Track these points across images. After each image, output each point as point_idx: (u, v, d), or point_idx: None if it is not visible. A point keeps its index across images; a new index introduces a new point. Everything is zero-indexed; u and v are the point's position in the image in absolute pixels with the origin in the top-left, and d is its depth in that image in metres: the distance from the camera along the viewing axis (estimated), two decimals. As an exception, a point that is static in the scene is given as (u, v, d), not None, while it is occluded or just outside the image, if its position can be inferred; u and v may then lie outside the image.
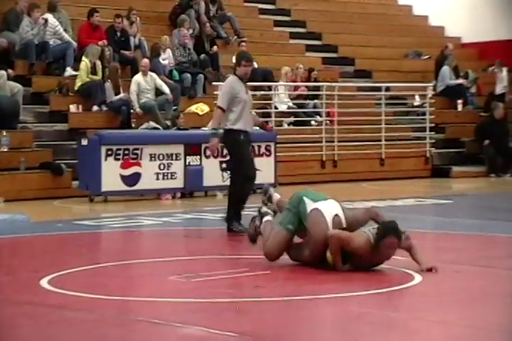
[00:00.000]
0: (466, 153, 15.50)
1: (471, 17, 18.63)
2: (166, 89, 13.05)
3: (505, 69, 16.74)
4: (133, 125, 12.60)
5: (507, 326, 4.44)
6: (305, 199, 6.06)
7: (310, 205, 5.98)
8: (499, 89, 16.50)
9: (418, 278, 5.56)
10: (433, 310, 4.85)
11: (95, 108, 12.80)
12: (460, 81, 16.64)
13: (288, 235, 5.99)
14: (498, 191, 12.87)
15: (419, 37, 18.51)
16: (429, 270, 5.72)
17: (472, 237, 7.57)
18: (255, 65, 15.20)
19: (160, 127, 12.28)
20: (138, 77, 12.94)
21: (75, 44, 13.53)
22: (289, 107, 14.53)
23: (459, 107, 16.50)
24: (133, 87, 12.83)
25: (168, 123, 12.48)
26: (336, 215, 5.91)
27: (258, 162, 12.06)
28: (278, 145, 12.39)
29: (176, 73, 14.01)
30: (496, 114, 15.28)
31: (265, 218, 6.25)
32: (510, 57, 17.87)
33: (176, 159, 11.38)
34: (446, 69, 16.49)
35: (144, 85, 12.89)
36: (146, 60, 13.12)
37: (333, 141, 13.99)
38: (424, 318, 4.71)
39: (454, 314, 4.74)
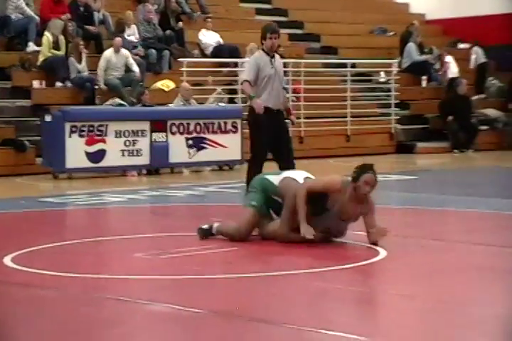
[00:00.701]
0: (430, 129, 15.63)
1: (435, -6, 18.69)
2: (135, 68, 12.91)
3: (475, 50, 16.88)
4: (97, 101, 12.46)
5: (471, 299, 4.51)
6: (268, 176, 6.09)
7: (276, 178, 6.02)
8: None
9: (383, 253, 5.61)
10: (399, 285, 4.91)
11: (59, 84, 12.63)
12: (425, 57, 16.72)
13: (253, 211, 5.99)
14: (461, 166, 13.01)
15: (385, 13, 18.52)
16: (375, 243, 5.76)
17: (436, 212, 7.65)
18: (221, 41, 15.13)
19: (125, 104, 12.17)
20: (109, 54, 12.78)
21: (37, 18, 13.30)
22: (255, 84, 14.47)
23: (424, 83, 16.60)
24: (101, 63, 12.68)
25: (134, 99, 12.37)
26: (307, 177, 5.98)
27: (225, 138, 12.21)
28: (244, 122, 12.35)
29: (141, 49, 13.86)
30: (460, 90, 15.40)
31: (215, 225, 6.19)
32: (472, 33, 17.99)
33: (142, 136, 11.31)
34: (411, 46, 16.54)
35: (114, 62, 12.74)
36: (119, 39, 12.96)
37: (300, 118, 13.99)
38: (391, 293, 4.76)
39: (419, 288, 4.80)
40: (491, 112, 16.14)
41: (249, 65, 7.52)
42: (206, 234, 6.13)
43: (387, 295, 4.75)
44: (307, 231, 5.73)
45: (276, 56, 7.54)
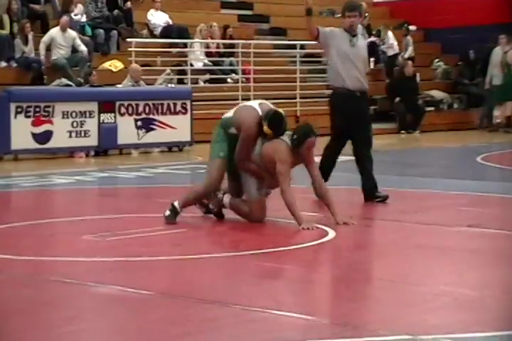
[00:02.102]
0: (378, 111, 15.78)
1: (383, -25, 18.79)
2: (83, 48, 12.72)
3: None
4: (44, 81, 12.26)
5: (415, 277, 4.59)
6: (222, 120, 6.14)
7: (230, 115, 6.05)
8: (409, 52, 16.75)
9: (332, 233, 5.67)
10: (345, 264, 4.97)
11: (3, 64, 12.38)
12: (373, 39, 16.82)
13: (220, 161, 5.98)
14: (408, 147, 13.19)
15: (333, -5, 18.55)
16: (345, 223, 5.86)
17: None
18: (170, 21, 14.98)
19: (72, 84, 12.00)
20: (55, 32, 12.57)
21: (-20, -3, 12.99)
22: (204, 64, 14.40)
23: (371, 65, 16.71)
24: (45, 39, 12.47)
25: (81, 80, 12.19)
26: (261, 103, 6.04)
27: (174, 119, 12.14)
28: (194, 103, 12.30)
29: (88, 29, 13.66)
30: (406, 71, 15.57)
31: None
32: (418, 16, 18.17)
33: (90, 117, 11.17)
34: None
35: (59, 41, 12.53)
36: (66, 18, 12.73)
37: (249, 99, 13.97)
38: (337, 272, 4.81)
39: (364, 267, 4.86)
40: (437, 94, 16.37)
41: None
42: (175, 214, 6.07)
43: (334, 275, 4.80)
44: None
45: (360, 36, 7.15)
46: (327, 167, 7.03)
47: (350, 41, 6.91)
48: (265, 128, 5.92)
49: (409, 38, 17.00)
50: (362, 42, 7.11)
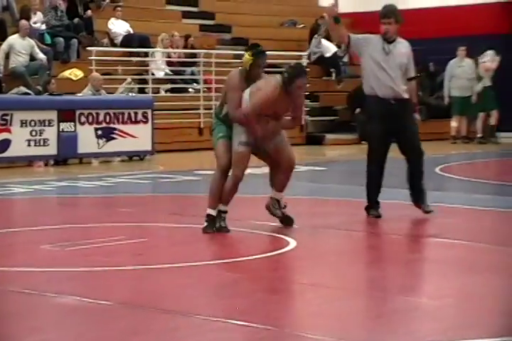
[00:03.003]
0: (339, 121, 15.90)
1: (344, -13, 18.97)
2: (41, 55, 12.60)
3: None
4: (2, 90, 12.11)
5: (375, 287, 4.62)
6: (215, 110, 6.16)
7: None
8: None
9: (293, 243, 5.68)
10: (306, 274, 4.98)
11: (-39, 72, 12.21)
12: (335, 50, 16.97)
13: (221, 142, 6.03)
14: (369, 158, 13.27)
15: (295, 6, 18.69)
16: None
17: (344, 202, 7.79)
18: (131, 30, 14.93)
19: (31, 92, 11.87)
20: (13, 39, 12.44)
21: None
22: (166, 74, 14.38)
23: (333, 76, 16.85)
24: (3, 47, 12.32)
25: (40, 88, 12.07)
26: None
27: (135, 129, 12.07)
28: (155, 113, 12.26)
29: (48, 37, 13.54)
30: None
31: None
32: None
33: (49, 125, 11.06)
34: (317, 40, 16.80)
35: (18, 48, 12.40)
36: (25, 22, 12.61)
37: (211, 108, 13.98)
38: (298, 281, 4.82)
39: (326, 277, 4.88)
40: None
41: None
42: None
43: (296, 284, 4.81)
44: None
45: (399, 43, 6.78)
46: (375, 174, 6.77)
47: (383, 49, 6.69)
48: (246, 56, 5.95)
49: None
50: (400, 49, 6.74)
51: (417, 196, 6.82)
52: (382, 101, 6.60)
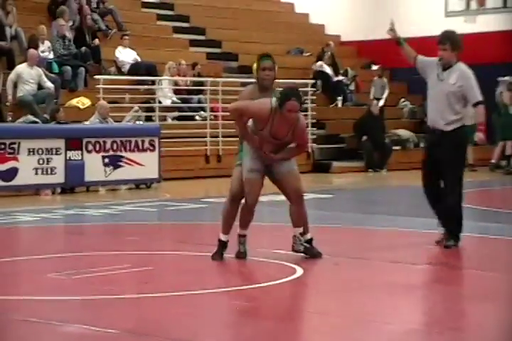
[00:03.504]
0: (345, 149, 15.92)
1: (349, 16, 19.14)
2: (49, 84, 12.69)
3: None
4: (9, 118, 12.17)
5: (383, 316, 4.58)
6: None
7: None
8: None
9: (300, 271, 5.65)
10: (312, 302, 4.95)
11: (-31, 100, 12.30)
12: (340, 78, 17.07)
13: (238, 169, 6.03)
14: (375, 186, 13.28)
15: (301, 34, 18.84)
16: None
17: (351, 230, 7.77)
18: (138, 58, 15.05)
19: (39, 121, 11.94)
20: (22, 68, 12.55)
21: None
22: (173, 102, 14.46)
23: (339, 104, 16.92)
24: (11, 77, 12.42)
25: (47, 117, 12.14)
26: None
27: (142, 157, 12.11)
28: (162, 140, 12.31)
29: (55, 66, 13.65)
30: (374, 110, 15.77)
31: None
32: (384, 55, 18.49)
33: (56, 154, 11.10)
34: (321, 67, 16.91)
35: (26, 77, 12.50)
36: (34, 51, 12.73)
37: (218, 136, 14.03)
38: (305, 309, 4.79)
39: (331, 305, 4.85)
40: (403, 133, 16.57)
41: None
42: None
43: (302, 312, 4.78)
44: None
45: (455, 71, 6.46)
46: (427, 197, 6.65)
47: (437, 75, 6.48)
48: (254, 64, 6.00)
49: (385, 80, 17.25)
50: (452, 77, 6.45)
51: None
52: (428, 129, 6.60)
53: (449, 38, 6.55)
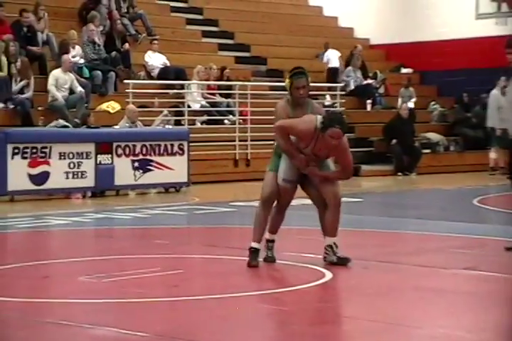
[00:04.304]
0: (374, 152, 15.85)
1: (378, 19, 19.08)
2: (80, 89, 12.82)
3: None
4: (40, 123, 12.29)
5: (413, 320, 4.56)
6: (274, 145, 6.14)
7: None
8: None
9: (329, 274, 5.64)
10: (343, 306, 4.94)
11: (0, 105, 12.45)
12: (369, 81, 17.02)
13: (271, 173, 5.98)
14: (404, 189, 13.21)
15: (329, 37, 18.79)
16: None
17: (380, 234, 7.73)
18: (167, 63, 15.14)
19: (69, 125, 12.05)
20: (57, 73, 12.71)
21: (-21, 39, 13.12)
22: (202, 106, 14.51)
23: (368, 107, 16.86)
24: (51, 81, 12.58)
25: (78, 121, 12.26)
26: None
27: (171, 160, 12.17)
28: (191, 144, 12.35)
29: (86, 70, 13.78)
30: (403, 113, 15.69)
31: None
32: (414, 58, 18.40)
33: (87, 158, 11.19)
34: (349, 70, 16.89)
35: (61, 82, 12.65)
36: (68, 57, 12.90)
37: (246, 140, 14.06)
38: (334, 313, 4.78)
39: (361, 309, 4.83)
40: (433, 136, 16.46)
41: None
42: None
43: (332, 316, 4.77)
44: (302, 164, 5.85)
45: None
46: None
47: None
48: (286, 80, 6.01)
49: (411, 89, 17.18)
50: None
51: None
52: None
53: None
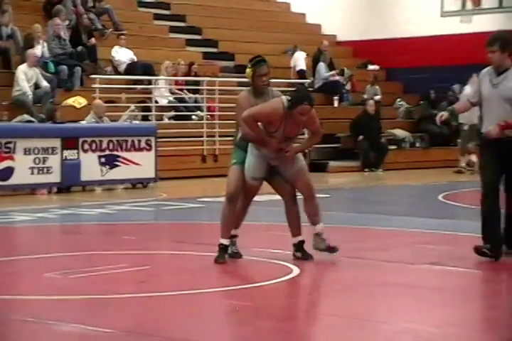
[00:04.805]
0: (341, 148, 15.93)
1: (345, 16, 19.16)
2: (45, 83, 12.69)
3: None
4: (4, 117, 12.14)
5: (379, 315, 4.59)
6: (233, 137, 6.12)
7: None
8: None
9: (296, 270, 5.66)
10: (310, 301, 4.95)
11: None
12: (336, 78, 17.08)
13: (235, 167, 5.94)
14: (371, 185, 13.30)
15: (297, 34, 18.84)
16: None
17: (348, 230, 7.77)
18: (135, 58, 15.04)
19: (34, 120, 11.92)
20: (24, 68, 12.56)
21: None
22: (169, 101, 14.45)
23: (335, 103, 16.93)
24: (22, 76, 12.42)
25: (43, 116, 12.13)
26: None
27: (138, 156, 12.10)
28: (159, 140, 12.30)
29: (51, 65, 13.64)
30: (370, 110, 15.79)
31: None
32: (380, 55, 18.50)
33: (53, 153, 11.08)
34: (321, 65, 16.90)
35: (27, 77, 12.50)
36: (33, 51, 12.74)
37: (214, 136, 14.03)
38: (301, 309, 4.80)
39: (327, 304, 4.85)
40: (399, 132, 16.59)
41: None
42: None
43: (298, 312, 4.78)
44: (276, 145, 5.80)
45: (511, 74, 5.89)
46: None
47: (491, 81, 5.95)
48: (247, 69, 5.95)
49: (377, 87, 17.27)
50: (509, 81, 5.89)
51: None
52: (484, 139, 6.00)
53: (496, 39, 5.95)
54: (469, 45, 17.43)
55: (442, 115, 6.22)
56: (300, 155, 6.08)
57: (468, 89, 15.23)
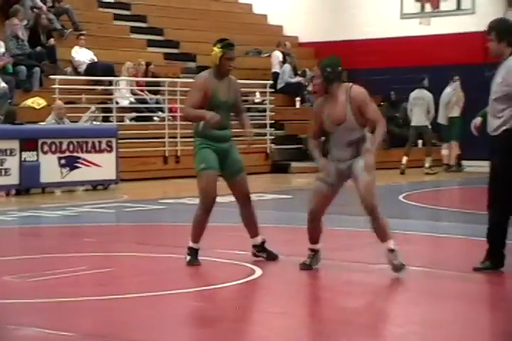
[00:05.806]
0: (304, 149, 15.96)
1: (307, 18, 19.22)
2: (3, 84, 12.49)
3: None
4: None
5: (340, 315, 4.60)
6: (193, 127, 6.02)
7: None
8: None
9: (259, 271, 5.65)
10: (273, 302, 4.95)
11: None
12: (298, 79, 17.13)
13: (206, 174, 5.76)
14: (334, 186, 13.31)
15: (259, 35, 18.86)
16: None
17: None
18: (95, 58, 14.90)
19: (-8, 121, 11.74)
20: None
21: None
22: (130, 102, 14.35)
23: (297, 104, 16.98)
24: None
25: (1, 117, 11.94)
26: None
27: (99, 158, 11.99)
28: (120, 141, 12.20)
29: (9, 66, 13.44)
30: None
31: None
32: (342, 57, 18.54)
33: (11, 155, 10.93)
34: (287, 67, 16.94)
35: None
36: None
37: (176, 137, 13.97)
38: (265, 310, 4.79)
39: (288, 305, 4.85)
40: (361, 133, 16.66)
41: None
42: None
43: (260, 312, 4.77)
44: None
45: (507, 64, 5.37)
46: None
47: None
48: (215, 49, 5.96)
49: None
50: (503, 72, 5.38)
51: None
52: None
53: (493, 27, 5.43)
54: (429, 47, 17.63)
55: (475, 123, 5.66)
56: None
57: (448, 90, 15.43)
